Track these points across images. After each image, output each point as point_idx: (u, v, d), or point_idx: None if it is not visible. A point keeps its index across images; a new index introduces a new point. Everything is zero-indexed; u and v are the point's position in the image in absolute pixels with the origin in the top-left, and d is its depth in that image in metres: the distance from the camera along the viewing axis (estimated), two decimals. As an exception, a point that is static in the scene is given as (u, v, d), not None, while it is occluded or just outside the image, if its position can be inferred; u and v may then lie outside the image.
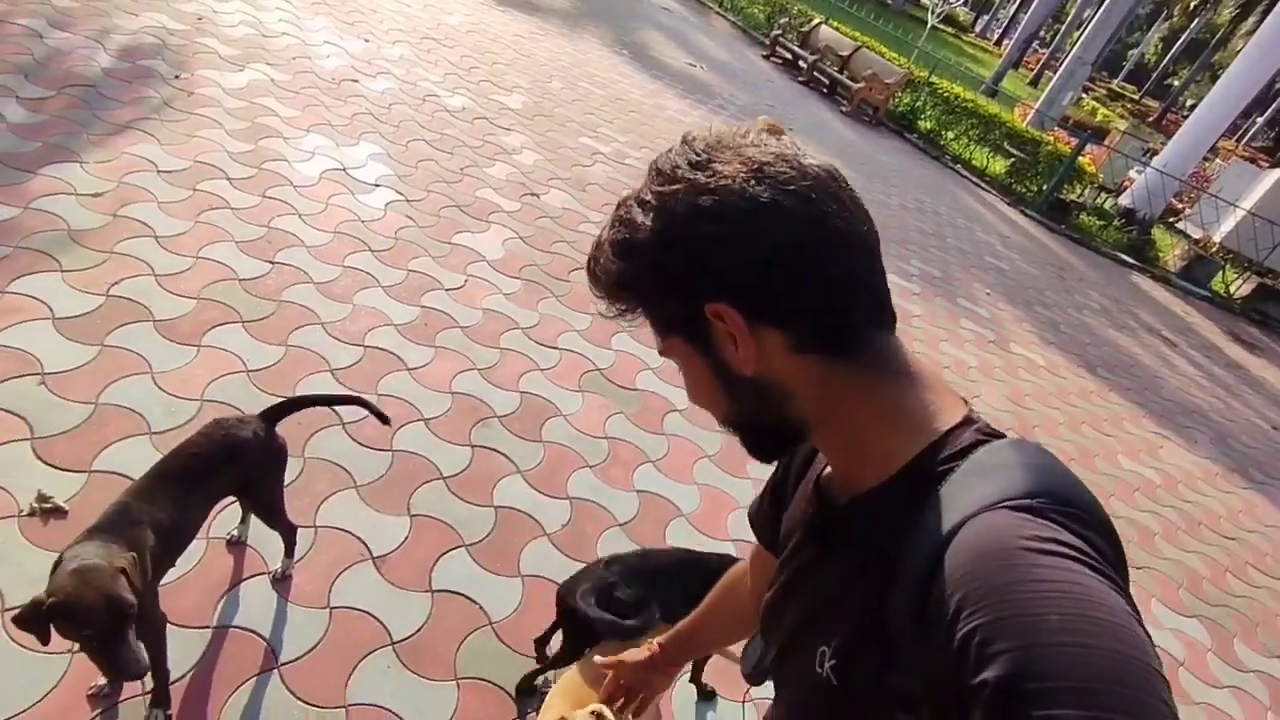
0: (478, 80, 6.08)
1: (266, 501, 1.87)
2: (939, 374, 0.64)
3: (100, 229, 2.89)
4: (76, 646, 1.45)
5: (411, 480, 2.43)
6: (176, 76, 4.13)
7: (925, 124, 12.02)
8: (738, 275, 0.58)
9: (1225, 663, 3.34)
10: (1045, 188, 10.67)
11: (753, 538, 0.96)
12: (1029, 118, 13.94)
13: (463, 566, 2.25)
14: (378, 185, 3.99)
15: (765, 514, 0.89)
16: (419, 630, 2.03)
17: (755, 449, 0.71)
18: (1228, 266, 10.70)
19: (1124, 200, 11.55)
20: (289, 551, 2.00)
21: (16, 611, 1.22)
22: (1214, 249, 10.61)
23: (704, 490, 2.94)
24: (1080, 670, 0.41)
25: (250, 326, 2.74)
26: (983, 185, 10.96)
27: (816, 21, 12.99)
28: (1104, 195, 11.12)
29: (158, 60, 4.25)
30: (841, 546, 0.66)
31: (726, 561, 1.84)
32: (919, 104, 11.95)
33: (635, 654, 1.18)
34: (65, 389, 2.25)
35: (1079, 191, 10.85)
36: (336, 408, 2.50)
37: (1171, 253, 10.93)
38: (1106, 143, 11.22)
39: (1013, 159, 11.27)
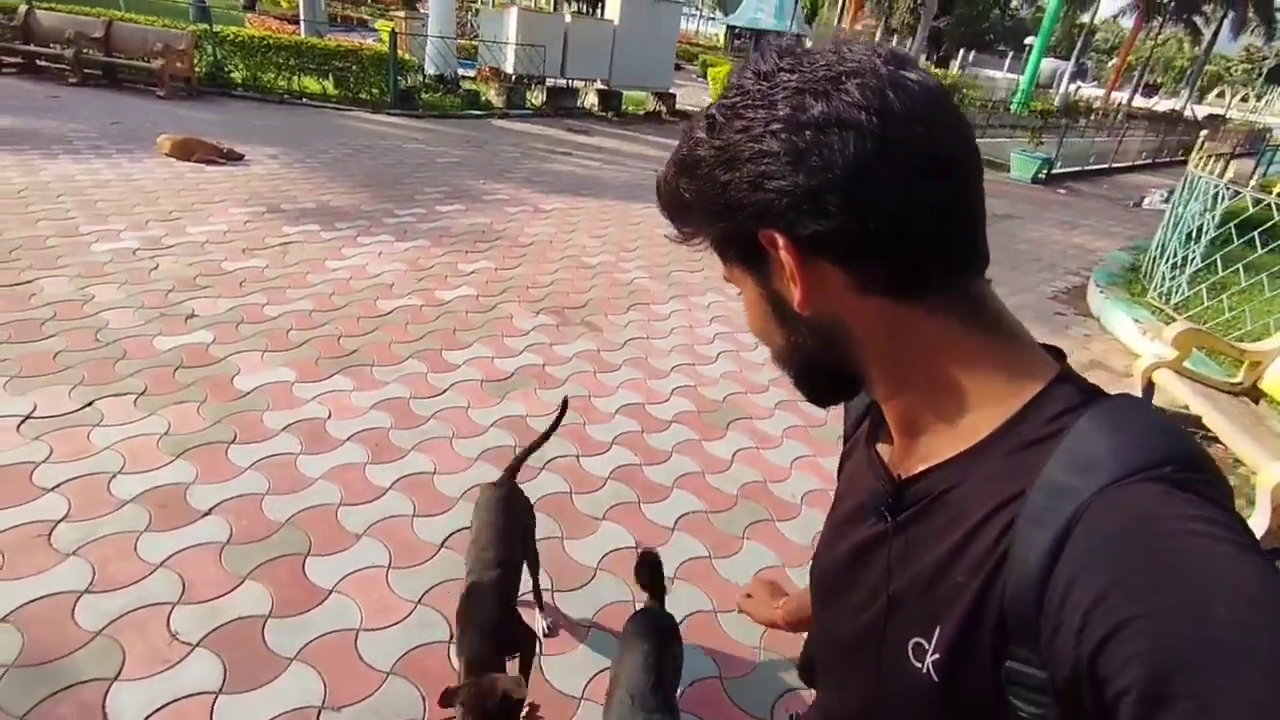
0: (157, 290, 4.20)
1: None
2: (1022, 325, 0.57)
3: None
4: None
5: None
6: None
7: (238, 75, 11.61)
8: (789, 202, 0.50)
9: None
10: (386, 85, 11.86)
11: None
12: (302, 30, 14.41)
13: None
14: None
15: None
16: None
17: (808, 392, 0.64)
18: (529, 87, 13.93)
19: (430, 71, 13.54)
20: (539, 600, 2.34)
21: None
22: (513, 78, 13.57)
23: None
24: (1252, 677, 0.37)
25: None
26: (338, 108, 11.53)
27: (22, 7, 10.61)
28: (422, 74, 12.89)
29: None
30: (916, 522, 0.58)
31: None
32: (218, 58, 11.36)
33: (763, 606, 1.13)
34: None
35: (409, 79, 12.35)
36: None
37: (490, 93, 13.59)
38: (398, 29, 12.67)
39: (337, 73, 11.98)
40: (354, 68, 11.92)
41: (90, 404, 3.16)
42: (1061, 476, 0.47)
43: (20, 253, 4.56)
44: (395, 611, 2.35)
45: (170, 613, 2.24)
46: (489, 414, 3.52)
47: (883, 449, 0.66)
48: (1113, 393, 0.53)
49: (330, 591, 2.39)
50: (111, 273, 4.46)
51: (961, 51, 45.63)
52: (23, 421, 2.98)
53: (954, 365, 0.55)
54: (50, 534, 2.45)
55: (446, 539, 2.67)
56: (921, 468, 0.58)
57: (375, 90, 12.02)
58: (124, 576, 2.33)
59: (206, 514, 2.64)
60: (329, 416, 3.31)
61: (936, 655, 0.53)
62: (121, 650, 2.10)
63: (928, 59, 32.36)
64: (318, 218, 6.02)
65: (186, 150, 7.05)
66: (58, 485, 2.66)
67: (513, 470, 2.24)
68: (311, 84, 11.98)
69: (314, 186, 6.93)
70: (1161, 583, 0.40)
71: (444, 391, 3.67)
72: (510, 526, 2.02)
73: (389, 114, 11.56)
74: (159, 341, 3.75)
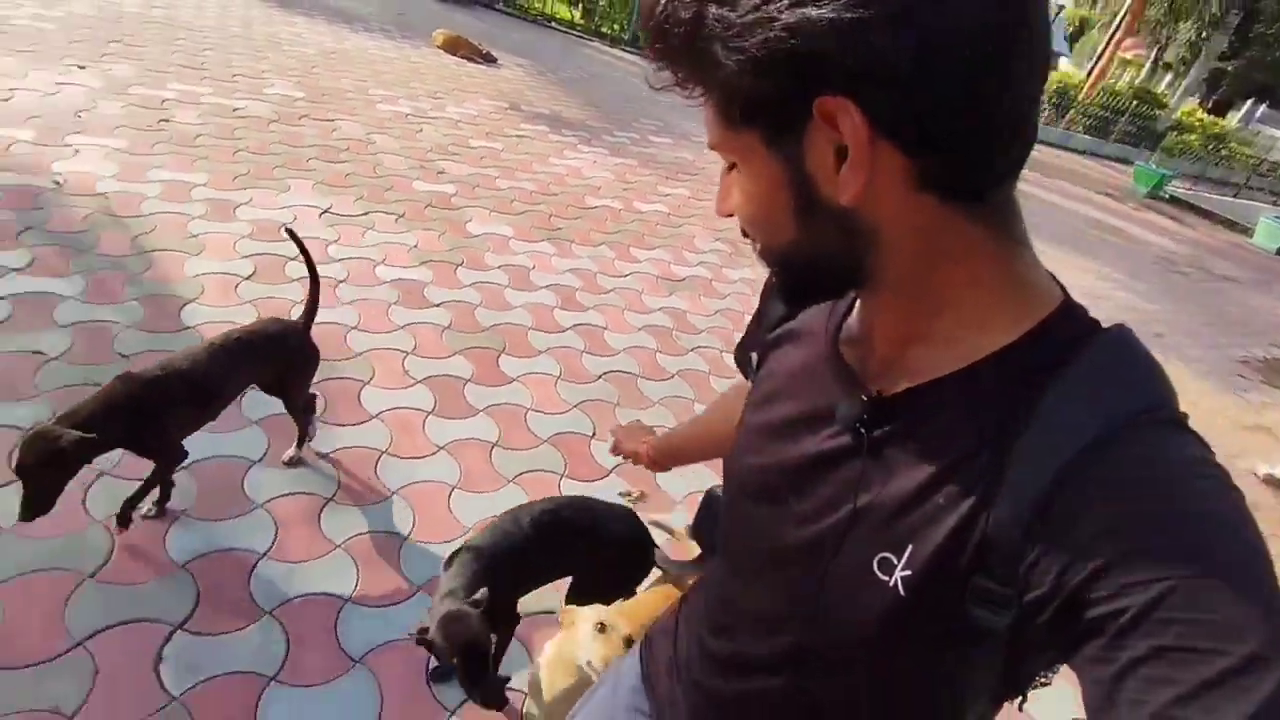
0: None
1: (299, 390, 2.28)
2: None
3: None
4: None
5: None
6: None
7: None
8: (884, 66, 0.40)
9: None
10: (626, 23, 12.69)
11: None
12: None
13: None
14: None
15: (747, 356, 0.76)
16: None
17: (794, 292, 0.57)
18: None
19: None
20: (302, 441, 2.34)
21: None
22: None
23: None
24: (1247, 608, 0.37)
25: (509, 352, 3.21)
26: (581, 36, 12.51)
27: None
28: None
29: None
30: (896, 440, 0.53)
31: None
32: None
33: (631, 439, 1.24)
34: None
35: (650, 20, 13.09)
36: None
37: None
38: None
39: (586, 3, 12.95)
40: (601, 3, 12.83)
41: (367, 214, 4.09)
42: (1067, 410, 0.45)
43: (328, 99, 5.70)
44: (558, 406, 3.01)
45: (404, 359, 3.03)
46: (658, 301, 4.12)
47: (848, 353, 0.60)
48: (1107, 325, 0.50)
49: (513, 380, 3.09)
50: (389, 128, 5.49)
51: (1250, 102, 40.03)
52: (323, 212, 3.95)
53: (973, 278, 0.49)
54: (335, 289, 3.33)
55: (603, 374, 3.30)
56: (906, 384, 0.53)
57: (616, 26, 12.89)
58: (378, 327, 3.16)
59: (437, 306, 3.44)
60: (532, 268, 4.05)
61: (908, 572, 0.50)
62: (372, 369, 2.91)
63: (1201, 102, 28.72)
64: (549, 122, 6.86)
65: (454, 46, 8.16)
66: (341, 259, 3.57)
67: (308, 317, 2.34)
68: (563, 10, 13.05)
69: (549, 97, 7.82)
70: (1173, 523, 0.41)
71: (626, 276, 4.30)
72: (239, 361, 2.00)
73: (624, 49, 12.38)
74: (417, 184, 4.67)
